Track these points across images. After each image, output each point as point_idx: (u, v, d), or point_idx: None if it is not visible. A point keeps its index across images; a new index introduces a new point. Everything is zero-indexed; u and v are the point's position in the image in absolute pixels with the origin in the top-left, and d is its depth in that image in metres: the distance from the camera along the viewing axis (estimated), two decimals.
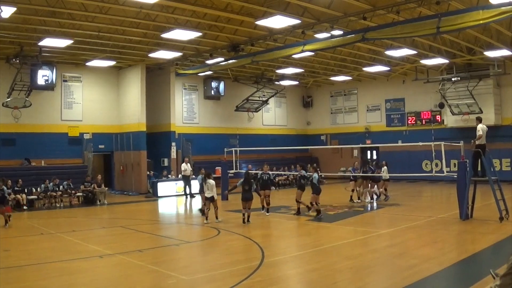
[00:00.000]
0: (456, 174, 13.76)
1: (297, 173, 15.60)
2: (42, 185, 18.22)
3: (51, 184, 18.30)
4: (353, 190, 17.61)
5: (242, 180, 13.47)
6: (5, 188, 15.25)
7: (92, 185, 19.24)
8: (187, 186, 20.80)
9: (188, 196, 20.60)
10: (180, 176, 22.17)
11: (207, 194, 13.14)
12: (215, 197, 13.14)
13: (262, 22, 15.55)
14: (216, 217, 13.28)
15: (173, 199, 20.95)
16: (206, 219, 13.23)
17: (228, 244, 10.83)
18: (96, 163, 23.87)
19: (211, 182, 13.05)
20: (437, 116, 26.69)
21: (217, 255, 9.72)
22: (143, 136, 22.94)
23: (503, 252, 8.85)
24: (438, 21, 12.98)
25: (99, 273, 8.19)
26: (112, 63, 22.18)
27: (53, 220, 15.10)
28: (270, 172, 15.00)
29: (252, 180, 13.88)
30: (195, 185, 21.50)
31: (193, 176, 20.84)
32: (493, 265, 3.90)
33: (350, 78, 28.55)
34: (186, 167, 21.05)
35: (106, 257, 9.21)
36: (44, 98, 21.55)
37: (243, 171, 19.50)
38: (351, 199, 17.42)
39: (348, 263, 8.53)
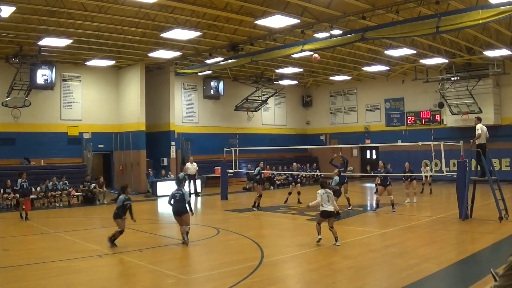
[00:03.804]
0: (455, 173, 13.76)
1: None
2: (43, 186, 18.21)
3: (50, 183, 18.30)
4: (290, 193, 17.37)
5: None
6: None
7: (93, 185, 19.21)
8: (191, 185, 20.89)
9: (193, 195, 20.72)
10: (180, 176, 22.20)
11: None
12: None
13: (261, 22, 15.54)
14: None
15: None
16: None
17: (228, 243, 10.84)
18: (95, 162, 23.85)
19: None
20: (436, 115, 26.69)
21: (217, 254, 9.72)
22: (143, 136, 22.94)
23: (502, 252, 8.85)
24: (437, 20, 13.00)
25: (98, 272, 8.19)
26: (111, 62, 22.16)
27: (53, 220, 15.09)
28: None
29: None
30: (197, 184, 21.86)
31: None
32: (492, 265, 3.91)
33: (350, 77, 28.55)
34: (190, 166, 21.20)
35: (106, 257, 9.21)
36: (43, 98, 21.54)
37: (243, 170, 19.61)
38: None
39: (348, 263, 8.53)
